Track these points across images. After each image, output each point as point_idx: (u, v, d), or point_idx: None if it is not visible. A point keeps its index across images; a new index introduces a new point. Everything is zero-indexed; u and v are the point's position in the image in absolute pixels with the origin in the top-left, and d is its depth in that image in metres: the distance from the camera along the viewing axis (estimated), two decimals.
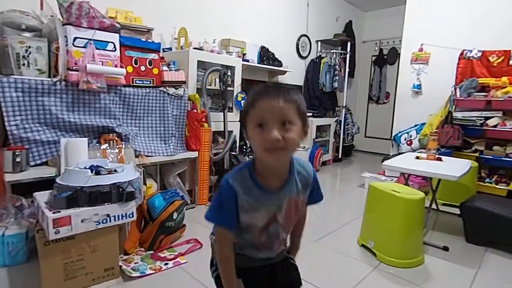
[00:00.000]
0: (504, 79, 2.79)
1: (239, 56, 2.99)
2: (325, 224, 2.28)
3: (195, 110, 2.42)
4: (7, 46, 1.64)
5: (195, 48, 2.56)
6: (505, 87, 2.73)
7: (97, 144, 1.84)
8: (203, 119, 2.45)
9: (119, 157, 1.86)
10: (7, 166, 1.60)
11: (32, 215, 1.59)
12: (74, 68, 1.73)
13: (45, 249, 1.29)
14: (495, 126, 2.74)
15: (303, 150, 3.78)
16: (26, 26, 1.76)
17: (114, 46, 1.87)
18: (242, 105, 2.88)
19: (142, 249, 1.74)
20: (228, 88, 2.75)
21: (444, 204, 2.62)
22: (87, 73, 1.74)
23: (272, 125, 0.66)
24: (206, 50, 2.67)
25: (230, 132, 2.76)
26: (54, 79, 1.73)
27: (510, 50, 2.87)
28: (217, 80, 2.71)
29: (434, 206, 2.25)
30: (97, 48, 1.78)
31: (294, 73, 3.96)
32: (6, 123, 1.63)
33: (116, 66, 1.88)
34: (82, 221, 1.33)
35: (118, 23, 1.94)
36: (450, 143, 2.88)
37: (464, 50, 3.11)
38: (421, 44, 3.45)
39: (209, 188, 2.55)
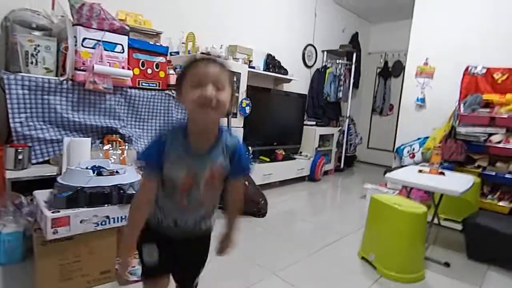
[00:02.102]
0: (509, 96, 2.78)
1: (245, 63, 3.01)
2: (325, 234, 2.25)
3: None
4: (16, 44, 1.65)
5: (202, 53, 2.58)
6: (509, 104, 2.73)
7: (100, 145, 1.84)
8: None
9: (121, 158, 1.85)
10: (9, 163, 1.60)
11: (30, 213, 1.58)
12: (81, 68, 1.74)
13: (42, 249, 1.27)
14: (499, 142, 2.73)
15: (305, 158, 3.77)
16: (36, 25, 1.77)
17: (123, 48, 1.88)
18: (247, 111, 2.89)
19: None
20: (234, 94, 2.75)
21: (445, 219, 2.59)
22: (94, 73, 1.75)
23: (207, 85, 0.74)
24: (213, 55, 2.69)
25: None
26: (61, 78, 1.74)
27: None
28: None
29: (436, 221, 2.23)
30: (105, 50, 1.80)
31: (299, 81, 3.98)
32: (11, 120, 1.63)
33: (123, 68, 1.89)
34: (81, 222, 1.32)
35: (128, 25, 1.96)
36: (453, 158, 2.86)
37: (468, 66, 3.11)
38: (426, 58, 3.47)
39: None
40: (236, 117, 2.84)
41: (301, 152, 3.95)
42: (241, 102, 2.85)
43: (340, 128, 4.51)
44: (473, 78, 3.09)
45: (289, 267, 1.72)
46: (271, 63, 3.48)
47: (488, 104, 2.90)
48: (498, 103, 2.82)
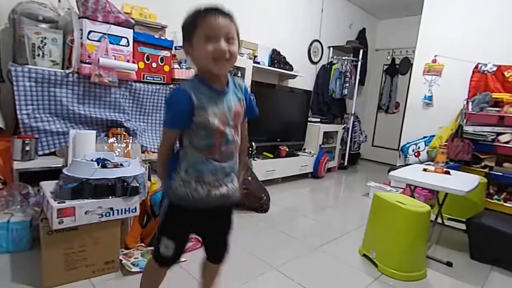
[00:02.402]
0: None
1: (250, 58, 3.00)
2: (327, 231, 2.25)
3: None
4: (23, 36, 1.67)
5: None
6: None
7: (105, 138, 1.86)
8: None
9: (125, 151, 1.87)
10: (16, 154, 1.63)
11: (37, 203, 1.61)
12: (87, 61, 1.75)
13: (48, 238, 1.30)
14: (507, 142, 2.69)
15: (309, 155, 3.76)
16: (43, 18, 1.79)
17: (128, 42, 1.89)
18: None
19: (143, 244, 1.74)
20: None
21: (449, 219, 2.58)
22: (100, 66, 1.76)
23: (220, 39, 0.77)
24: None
25: None
26: (67, 71, 1.76)
27: None
28: None
29: (439, 220, 2.21)
30: (111, 43, 1.81)
31: (304, 77, 3.95)
32: (18, 112, 1.66)
33: (128, 61, 1.90)
34: (85, 213, 1.34)
35: (133, 19, 1.96)
36: (459, 157, 2.83)
37: (479, 63, 3.06)
38: (435, 56, 3.41)
39: None
40: None
41: (304, 149, 3.95)
42: None
43: (344, 125, 4.48)
44: (483, 76, 3.04)
45: (290, 263, 1.73)
46: (276, 58, 3.46)
47: (497, 103, 2.85)
48: (508, 102, 2.77)
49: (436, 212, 2.12)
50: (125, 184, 1.44)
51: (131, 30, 1.92)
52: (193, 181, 0.86)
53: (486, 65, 3.02)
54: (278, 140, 3.55)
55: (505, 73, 2.92)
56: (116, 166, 1.50)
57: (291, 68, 3.60)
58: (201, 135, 0.84)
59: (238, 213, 2.40)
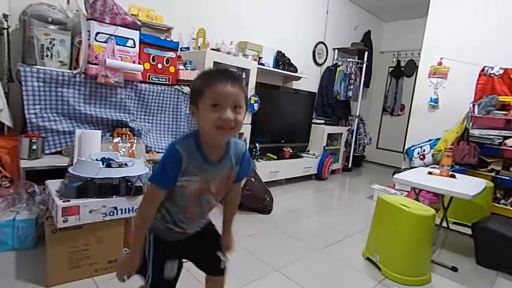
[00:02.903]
0: None
1: (255, 60, 3.01)
2: (330, 233, 2.24)
3: None
4: (32, 37, 1.70)
5: (212, 49, 2.59)
6: None
7: (110, 137, 1.88)
8: None
9: (130, 151, 1.89)
10: (24, 153, 1.65)
11: (43, 202, 1.63)
12: (94, 62, 1.78)
13: (53, 237, 1.31)
14: None
15: (313, 157, 3.75)
16: (52, 19, 1.82)
17: (134, 43, 1.91)
18: (255, 108, 2.89)
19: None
20: None
21: (455, 223, 2.54)
22: (106, 67, 1.78)
23: (227, 107, 0.75)
24: (223, 51, 2.70)
25: (241, 134, 2.77)
26: (74, 72, 1.78)
27: None
28: None
29: (444, 224, 2.19)
30: (117, 44, 1.83)
31: (308, 79, 3.95)
32: (26, 111, 1.68)
33: (134, 62, 1.92)
34: (90, 211, 1.35)
35: (140, 20, 1.99)
36: (465, 161, 2.80)
37: (485, 66, 3.03)
38: (441, 58, 3.38)
39: None
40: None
41: (308, 151, 3.94)
42: (250, 98, 2.85)
43: (349, 127, 4.46)
44: (489, 79, 3.01)
45: (292, 264, 1.72)
46: (281, 60, 3.47)
47: (504, 106, 2.82)
48: None
49: (441, 216, 2.09)
50: (129, 183, 1.46)
51: (138, 32, 1.94)
52: (171, 222, 0.89)
53: (492, 68, 2.99)
54: (282, 141, 3.55)
55: None
56: (120, 165, 1.51)
57: (295, 70, 3.60)
58: (177, 199, 0.85)
59: (241, 214, 2.40)
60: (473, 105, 2.98)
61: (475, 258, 2.00)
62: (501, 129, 2.73)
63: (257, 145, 3.08)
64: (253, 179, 2.48)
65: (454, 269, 1.85)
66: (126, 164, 1.52)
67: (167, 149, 0.83)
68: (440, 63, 3.40)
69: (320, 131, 3.90)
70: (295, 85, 3.91)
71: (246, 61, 2.86)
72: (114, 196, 1.41)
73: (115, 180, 1.42)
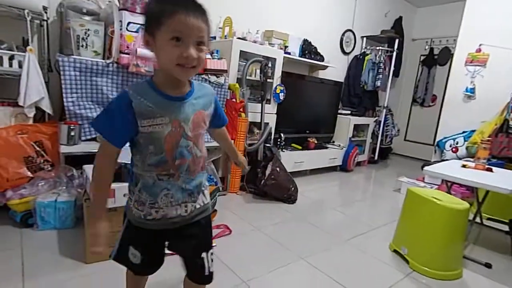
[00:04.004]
0: None
1: (281, 48, 2.96)
2: (356, 224, 2.21)
3: (234, 100, 2.46)
4: (69, 29, 1.78)
5: (239, 38, 2.58)
6: None
7: None
8: (241, 109, 2.48)
9: None
10: (63, 139, 1.76)
11: (80, 185, 1.74)
12: (126, 51, 1.83)
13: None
14: None
15: (338, 148, 3.69)
16: (86, 10, 1.89)
17: None
18: (281, 97, 2.86)
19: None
20: (268, 80, 2.74)
21: (489, 219, 2.41)
22: (137, 57, 1.83)
23: (189, 43, 0.66)
24: (249, 40, 2.68)
25: (266, 124, 2.76)
26: (107, 61, 1.85)
27: None
28: (258, 71, 2.71)
29: (478, 219, 2.09)
30: None
31: (335, 68, 3.84)
32: (64, 100, 1.78)
33: None
34: (124, 195, 1.42)
35: None
36: (504, 154, 2.62)
37: None
38: (480, 45, 3.15)
39: (241, 178, 2.59)
40: (269, 103, 2.84)
41: (333, 142, 3.87)
42: (275, 88, 2.83)
43: (376, 118, 4.31)
44: None
45: (317, 254, 1.72)
46: (307, 49, 3.39)
47: None
48: None
49: (475, 210, 1.99)
50: None
51: None
52: (147, 204, 0.77)
53: None
54: (307, 132, 3.51)
55: None
56: None
57: (322, 59, 3.51)
58: (150, 151, 0.73)
59: (265, 203, 2.42)
60: None
61: (511, 255, 1.90)
62: None
63: (282, 135, 3.07)
64: (278, 169, 2.48)
65: (488, 265, 1.76)
66: None
67: (115, 96, 0.75)
68: (479, 50, 3.17)
69: (346, 122, 3.81)
70: (322, 74, 3.82)
71: (272, 50, 2.83)
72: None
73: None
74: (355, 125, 3.89)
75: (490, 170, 2.04)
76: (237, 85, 2.47)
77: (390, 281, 1.54)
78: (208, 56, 2.32)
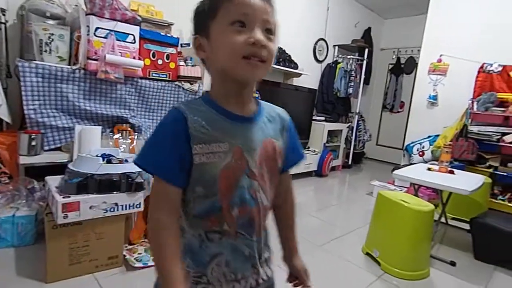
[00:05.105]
0: None
1: None
2: (330, 229, 2.25)
3: None
4: (31, 32, 1.68)
5: None
6: None
7: (110, 133, 1.87)
8: None
9: (131, 147, 1.88)
10: (23, 149, 1.64)
11: (42, 198, 1.63)
12: (93, 57, 1.77)
13: (53, 233, 1.31)
14: None
15: (313, 154, 3.76)
16: (50, 14, 1.80)
17: (134, 39, 1.90)
18: None
19: (147, 240, 1.75)
20: None
21: (453, 219, 2.56)
22: (106, 63, 1.77)
23: (255, 26, 0.49)
24: None
25: None
26: (74, 67, 1.77)
27: None
28: None
29: (443, 219, 2.20)
30: (117, 39, 1.81)
31: (309, 76, 3.94)
32: (25, 107, 1.67)
33: (134, 58, 1.90)
34: (90, 207, 1.35)
35: (140, 16, 1.97)
36: (464, 157, 2.81)
37: (484, 63, 3.03)
38: (440, 55, 3.38)
39: None
40: None
41: (309, 147, 3.94)
42: None
43: (349, 124, 4.46)
44: (489, 76, 3.01)
45: None
46: (281, 56, 3.46)
47: (502, 103, 2.83)
48: None
49: (440, 211, 2.10)
50: (130, 179, 1.46)
51: (138, 27, 1.92)
52: (190, 278, 0.53)
53: (491, 65, 2.99)
54: None
55: (511, 73, 2.89)
56: (121, 161, 1.51)
57: (296, 67, 3.59)
58: (197, 194, 0.52)
59: None
60: (472, 102, 2.99)
61: (473, 253, 2.02)
62: (499, 125, 2.74)
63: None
64: None
65: (452, 263, 1.86)
66: (126, 160, 1.51)
67: (164, 117, 0.54)
68: (439, 60, 3.40)
69: (321, 128, 3.91)
70: (296, 81, 3.90)
71: None
72: (115, 192, 1.41)
73: (115, 176, 1.42)
74: (329, 131, 3.99)
75: (452, 172, 2.17)
76: None
77: (363, 284, 1.58)
78: (182, 63, 2.29)
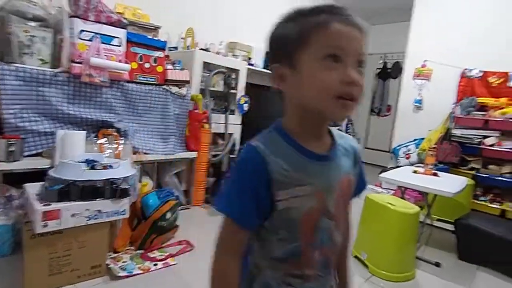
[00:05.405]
0: (503, 100, 2.81)
1: (244, 60, 3.00)
2: None
3: (197, 110, 2.42)
4: (11, 34, 1.63)
5: (201, 49, 2.56)
6: (503, 108, 2.75)
7: (94, 138, 1.82)
8: (204, 120, 2.44)
9: (116, 152, 1.84)
10: (0, 155, 1.58)
11: (21, 206, 1.56)
12: (77, 60, 1.72)
13: (31, 242, 1.26)
14: (492, 145, 2.75)
15: None
16: (32, 16, 1.74)
17: (120, 42, 1.86)
18: (245, 108, 2.88)
19: (133, 247, 1.71)
20: (232, 91, 2.75)
21: (438, 220, 2.61)
22: (91, 66, 1.73)
23: (350, 62, 0.45)
24: (212, 51, 2.68)
25: (231, 134, 2.75)
26: (56, 70, 1.72)
27: (508, 72, 2.90)
28: (221, 82, 2.71)
29: (428, 221, 2.24)
30: (102, 42, 1.78)
31: None
32: (4, 111, 1.61)
33: (120, 61, 1.87)
34: (72, 215, 1.31)
35: (126, 19, 1.94)
36: (448, 160, 2.88)
37: (465, 69, 3.13)
38: (424, 60, 3.48)
39: (205, 190, 2.53)
40: (234, 114, 2.83)
41: None
42: (239, 99, 2.84)
43: (338, 127, 4.51)
44: (470, 81, 3.12)
45: None
46: None
47: (483, 107, 2.92)
48: (492, 106, 2.84)
49: (426, 213, 2.14)
50: (114, 186, 1.42)
51: (124, 30, 1.89)
52: None
53: (471, 70, 3.10)
54: None
55: (489, 79, 3.01)
56: (105, 167, 1.47)
57: None
58: (279, 238, 0.51)
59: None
60: (455, 106, 3.08)
61: (457, 253, 2.06)
62: (480, 129, 2.83)
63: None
64: None
65: (438, 264, 1.89)
66: (111, 166, 1.48)
67: (240, 153, 0.52)
68: (424, 66, 3.49)
69: None
70: None
71: (236, 62, 2.85)
72: (98, 199, 1.37)
73: (99, 182, 1.38)
74: None
75: (436, 175, 2.22)
76: (200, 96, 2.44)
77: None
78: (170, 66, 2.27)
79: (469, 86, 3.12)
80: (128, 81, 1.98)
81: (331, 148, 0.54)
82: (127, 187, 1.47)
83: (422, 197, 2.63)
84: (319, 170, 0.51)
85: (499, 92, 2.92)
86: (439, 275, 1.80)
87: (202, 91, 2.52)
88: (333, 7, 0.48)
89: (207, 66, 2.58)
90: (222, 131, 2.70)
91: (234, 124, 2.81)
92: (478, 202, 2.79)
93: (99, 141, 1.80)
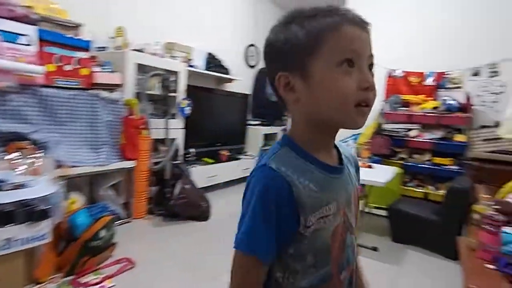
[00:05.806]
0: (421, 96, 3.20)
1: (184, 62, 2.88)
2: None
3: (132, 116, 2.24)
4: None
5: (135, 50, 2.38)
6: (421, 104, 3.13)
7: (2, 154, 1.55)
8: (142, 126, 2.28)
9: (33, 168, 1.59)
10: None
11: None
12: None
13: None
14: (415, 137, 3.11)
15: (251, 158, 3.79)
16: None
17: (30, 40, 1.62)
18: (186, 111, 2.77)
19: (60, 274, 1.50)
20: (171, 94, 2.62)
21: (376, 207, 2.85)
22: None
23: (364, 66, 0.43)
24: (147, 52, 2.51)
25: (173, 140, 2.62)
26: None
27: (423, 72, 3.31)
28: (159, 85, 2.56)
29: (366, 209, 2.43)
30: (6, 41, 1.52)
31: (242, 81, 3.97)
32: None
33: (31, 63, 1.63)
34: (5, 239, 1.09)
35: (37, 14, 1.70)
36: (380, 152, 3.16)
37: (391, 69, 3.48)
38: None
39: (148, 200, 2.36)
40: (175, 118, 2.70)
41: (246, 152, 3.96)
42: (180, 102, 2.72)
43: (283, 126, 4.64)
44: (395, 80, 3.47)
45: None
46: (212, 62, 3.41)
47: (406, 103, 3.28)
48: (413, 102, 3.21)
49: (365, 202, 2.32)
50: (29, 207, 1.23)
51: (34, 27, 1.65)
52: None
53: (395, 71, 3.45)
54: (218, 144, 3.49)
55: (410, 78, 3.39)
56: (16, 187, 1.26)
57: (227, 72, 3.58)
58: (308, 265, 0.46)
59: (176, 224, 2.27)
60: (384, 103, 3.40)
61: (391, 236, 2.27)
62: (405, 123, 3.18)
63: (191, 150, 2.96)
64: (187, 186, 2.37)
65: (375, 249, 2.06)
66: (23, 185, 1.27)
67: (254, 178, 0.46)
68: None
69: (257, 132, 3.97)
70: (229, 87, 3.89)
71: (174, 63, 2.72)
72: (7, 226, 1.16)
73: (8, 205, 1.18)
74: (265, 134, 4.08)
75: (370, 167, 2.41)
76: (135, 101, 2.26)
77: None
78: (98, 69, 2.05)
79: (395, 85, 3.47)
80: (43, 86, 1.74)
81: (340, 160, 0.52)
82: (47, 207, 1.28)
83: (361, 188, 2.84)
84: (338, 184, 0.48)
85: (418, 90, 3.31)
86: (376, 258, 1.96)
87: (138, 95, 2.35)
88: (338, 8, 0.45)
89: (142, 68, 2.41)
90: (163, 136, 2.55)
91: (175, 129, 2.69)
92: (406, 187, 3.12)
93: (8, 157, 1.54)
